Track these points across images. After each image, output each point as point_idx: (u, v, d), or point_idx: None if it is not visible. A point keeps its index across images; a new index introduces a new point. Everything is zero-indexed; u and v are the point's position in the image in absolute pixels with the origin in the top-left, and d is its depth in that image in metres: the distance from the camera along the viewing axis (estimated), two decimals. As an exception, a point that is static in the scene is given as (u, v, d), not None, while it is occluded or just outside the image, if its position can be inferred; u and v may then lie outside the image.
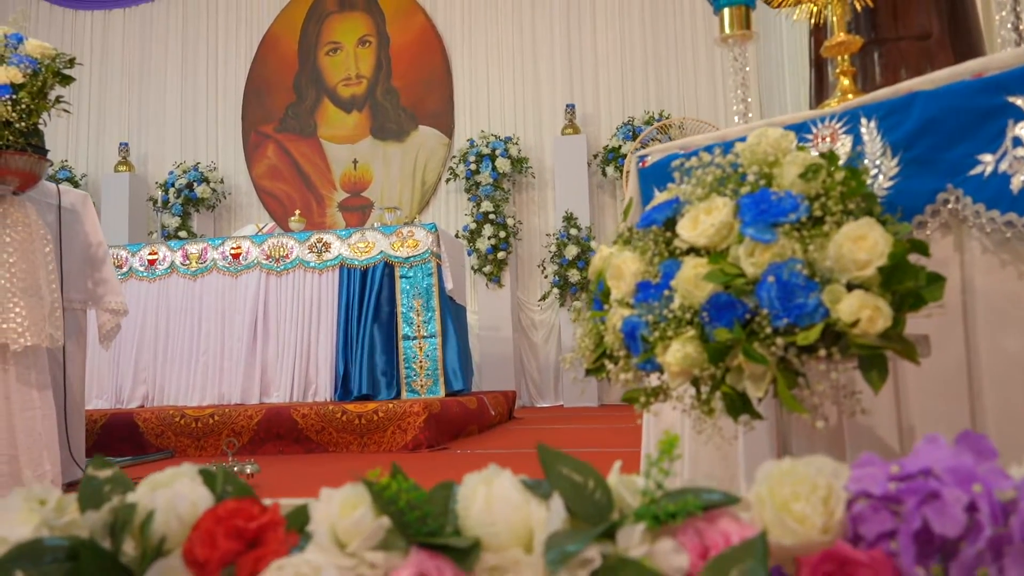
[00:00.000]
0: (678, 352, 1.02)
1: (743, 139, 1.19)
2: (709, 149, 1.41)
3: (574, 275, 7.82)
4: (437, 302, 5.52)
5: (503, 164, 8.11)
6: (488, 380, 7.93)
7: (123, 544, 0.72)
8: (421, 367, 5.49)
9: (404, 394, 5.35)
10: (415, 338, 5.48)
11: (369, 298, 5.54)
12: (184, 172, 8.94)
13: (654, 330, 1.06)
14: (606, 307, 1.16)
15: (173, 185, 8.91)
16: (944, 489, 0.59)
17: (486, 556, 0.67)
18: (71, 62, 2.80)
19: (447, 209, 8.79)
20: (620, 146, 7.96)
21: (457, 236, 8.00)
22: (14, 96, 2.61)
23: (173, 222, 8.82)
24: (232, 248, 5.80)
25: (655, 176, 1.58)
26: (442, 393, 5.31)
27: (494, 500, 0.69)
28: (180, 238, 8.47)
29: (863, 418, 1.10)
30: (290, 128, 9.38)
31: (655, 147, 1.63)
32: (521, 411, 7.43)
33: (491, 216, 8.09)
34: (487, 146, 8.24)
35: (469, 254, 8.04)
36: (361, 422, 4.43)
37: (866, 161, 1.29)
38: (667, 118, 8.03)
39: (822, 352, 0.95)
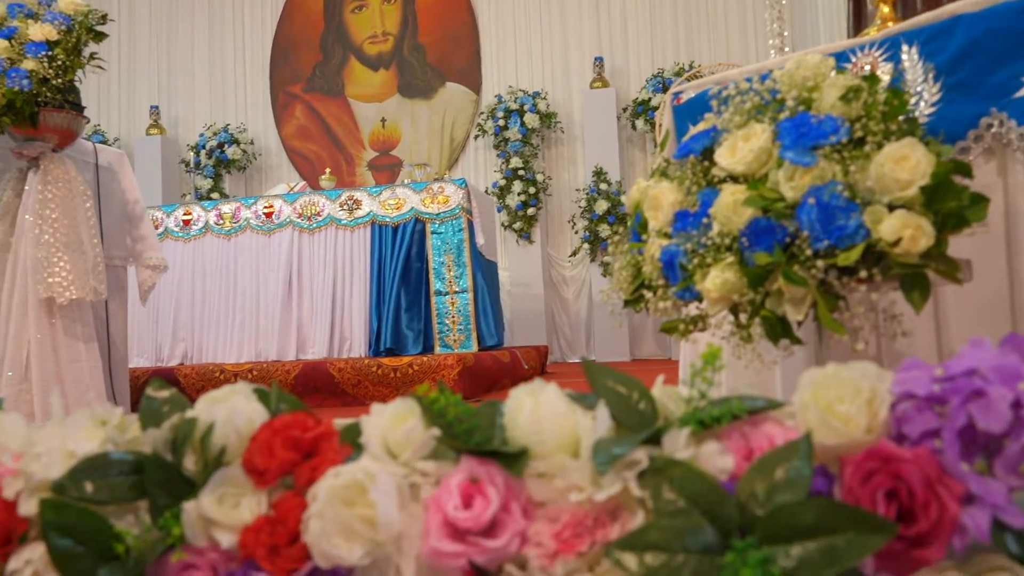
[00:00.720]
0: (717, 278, 1.03)
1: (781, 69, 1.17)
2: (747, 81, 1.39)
3: (604, 230, 7.78)
4: (468, 257, 5.53)
5: (532, 119, 8.05)
6: (520, 336, 7.96)
7: (184, 458, 0.75)
8: (453, 322, 5.53)
9: (437, 349, 5.40)
10: (447, 293, 5.51)
11: (400, 254, 5.57)
12: (214, 134, 8.99)
13: (693, 258, 1.07)
14: (644, 238, 1.16)
15: (204, 147, 8.96)
16: (989, 387, 0.59)
17: (534, 463, 0.69)
18: (103, 18, 2.81)
19: (476, 166, 8.76)
20: (650, 99, 7.85)
21: (487, 193, 7.99)
22: (50, 53, 2.64)
23: (205, 184, 8.90)
24: (265, 207, 5.85)
25: (690, 112, 1.57)
26: (475, 348, 5.35)
27: (541, 410, 0.71)
28: (212, 199, 8.55)
29: (903, 344, 1.10)
30: (318, 88, 9.37)
31: (690, 83, 1.61)
32: (553, 366, 7.48)
33: (520, 172, 8.05)
34: (515, 101, 8.18)
35: (499, 211, 8.03)
36: (396, 375, 4.49)
37: (907, 88, 1.27)
38: (697, 68, 7.90)
39: (863, 273, 0.95)
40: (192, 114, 9.58)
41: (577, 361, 8.16)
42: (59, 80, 2.65)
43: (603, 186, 7.82)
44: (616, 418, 0.70)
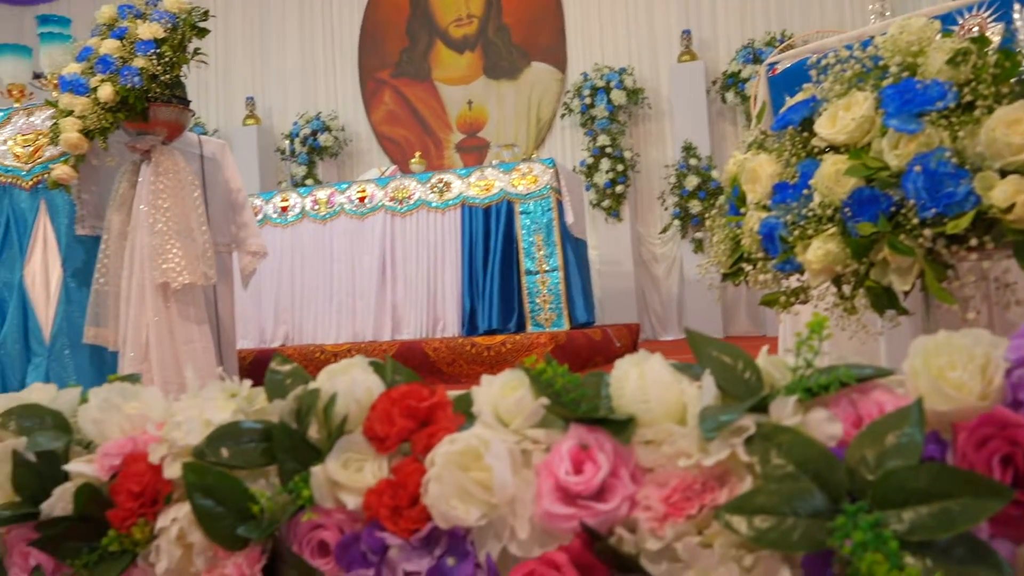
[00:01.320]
0: (819, 250, 1.02)
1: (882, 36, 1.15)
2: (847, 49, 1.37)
3: (695, 206, 7.66)
4: (558, 236, 5.55)
5: (618, 96, 7.98)
6: (610, 315, 7.94)
7: (309, 426, 0.80)
8: (544, 301, 5.56)
9: (529, 328, 5.44)
10: (537, 273, 5.54)
11: (491, 235, 5.63)
12: (307, 122, 9.23)
13: (793, 230, 1.06)
14: (742, 211, 1.16)
15: (297, 135, 9.22)
16: (1111, 353, 0.58)
17: (641, 430, 0.71)
18: (205, 15, 2.94)
19: (563, 145, 8.74)
20: (740, 71, 7.66)
21: (574, 171, 7.96)
22: (157, 51, 2.77)
23: (300, 171, 9.16)
24: (358, 192, 5.99)
25: (786, 83, 1.54)
26: (566, 326, 5.37)
27: (647, 379, 0.73)
28: (307, 185, 8.80)
29: (1016, 314, 1.07)
30: (405, 73, 9.50)
31: (786, 54, 1.59)
32: (644, 344, 7.44)
33: (608, 150, 8.00)
34: (601, 79, 8.11)
35: (587, 189, 8.00)
36: (489, 354, 4.56)
37: (1020, 49, 1.21)
38: (790, 38, 7.66)
39: (973, 242, 0.93)
40: (285, 103, 9.86)
41: (670, 339, 8.09)
42: (167, 76, 2.79)
43: (693, 161, 7.69)
44: (721, 387, 0.71)
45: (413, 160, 6.64)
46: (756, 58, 7.61)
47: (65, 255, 2.95)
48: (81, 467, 0.85)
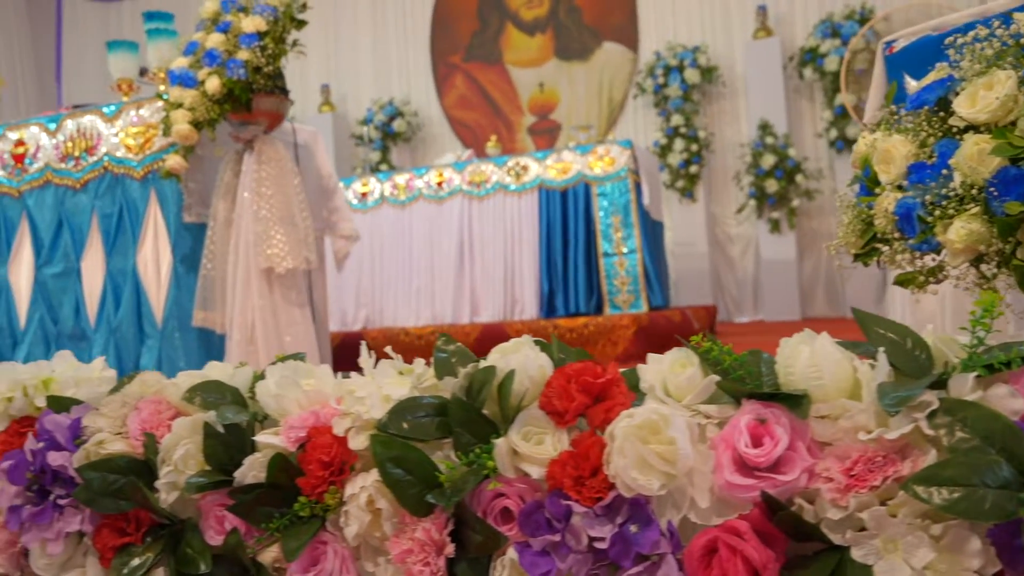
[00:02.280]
0: (962, 229, 1.03)
1: (1008, 13, 1.14)
2: (968, 27, 1.36)
3: (771, 185, 7.54)
4: (636, 218, 5.54)
5: (692, 75, 7.88)
6: (684, 297, 7.90)
7: (485, 401, 0.85)
8: (622, 283, 5.56)
9: (607, 310, 5.46)
10: (615, 255, 5.55)
11: (568, 217, 5.65)
12: (381, 108, 9.36)
13: (933, 210, 1.07)
14: (877, 192, 1.17)
15: (372, 121, 9.35)
16: None
17: (815, 405, 0.74)
18: (303, 6, 3.02)
19: (635, 126, 8.68)
20: (818, 46, 7.48)
21: (648, 152, 7.91)
22: (260, 43, 2.87)
23: (374, 156, 9.30)
24: (436, 176, 6.07)
25: (904, 61, 1.53)
26: (644, 308, 5.37)
27: (819, 356, 0.75)
28: (383, 171, 8.93)
29: None
30: (476, 57, 9.54)
31: (903, 32, 1.57)
32: (720, 326, 7.38)
33: (682, 130, 7.92)
34: (674, 57, 8.02)
35: (660, 170, 7.94)
36: (572, 336, 4.60)
37: None
38: (870, 12, 7.47)
39: None
40: (358, 90, 10.00)
41: (745, 321, 8.01)
42: (270, 67, 2.89)
43: (769, 140, 7.56)
44: (893, 364, 0.74)
45: (489, 144, 6.70)
46: (835, 32, 7.43)
47: (174, 242, 3.08)
48: (270, 439, 0.92)
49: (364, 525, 0.85)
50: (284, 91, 3.04)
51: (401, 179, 6.19)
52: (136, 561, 0.96)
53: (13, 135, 3.39)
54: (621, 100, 8.79)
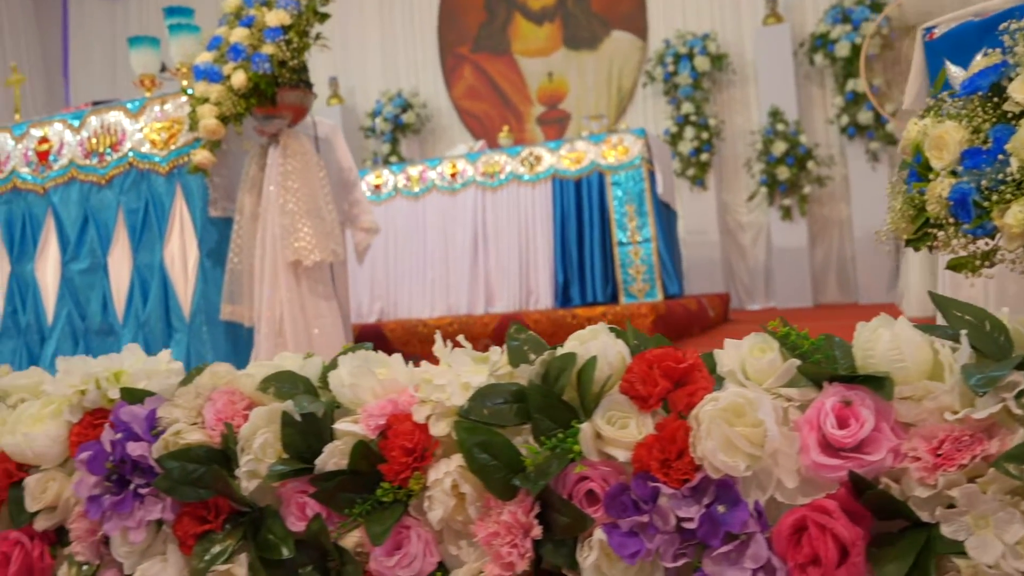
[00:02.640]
0: (1020, 214, 1.04)
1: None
2: (1012, 12, 1.37)
3: (783, 172, 7.53)
4: (650, 207, 5.54)
5: (702, 63, 7.86)
6: (696, 284, 7.91)
7: (564, 388, 0.87)
8: (637, 272, 5.57)
9: (622, 299, 5.47)
10: (630, 243, 5.55)
11: (582, 207, 5.66)
12: (389, 100, 9.36)
13: (989, 195, 1.08)
14: (931, 178, 1.18)
15: (380, 113, 9.35)
16: None
17: (897, 387, 0.76)
18: (326, 0, 3.03)
19: (645, 114, 8.67)
20: (829, 31, 7.46)
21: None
22: (285, 37, 2.88)
23: (384, 148, 9.31)
24: (449, 168, 6.08)
25: (945, 47, 1.54)
26: (659, 296, 5.38)
27: (900, 340, 0.77)
28: (394, 163, 8.94)
29: None
30: (484, 47, 9.52)
31: (943, 17, 1.58)
32: (733, 313, 7.40)
33: (692, 118, 7.91)
34: (684, 45, 8.01)
35: (672, 158, 7.93)
36: (590, 325, 4.62)
37: None
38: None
39: None
40: (366, 82, 9.99)
41: (757, 308, 8.02)
42: (295, 61, 2.90)
43: (780, 127, 7.55)
44: (974, 346, 0.76)
45: (501, 134, 6.71)
46: (846, 18, 7.40)
47: (200, 236, 3.11)
48: (350, 427, 0.94)
49: (449, 509, 0.87)
50: (308, 84, 3.06)
51: (414, 171, 6.20)
52: (217, 548, 0.98)
53: (37, 132, 3.41)
54: (631, 89, 8.77)
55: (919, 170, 1.23)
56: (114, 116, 3.26)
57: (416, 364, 1.12)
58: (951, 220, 1.15)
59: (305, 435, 0.97)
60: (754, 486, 0.78)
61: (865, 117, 7.27)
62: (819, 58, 7.54)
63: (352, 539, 0.94)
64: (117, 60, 11.18)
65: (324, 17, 3.01)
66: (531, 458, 0.84)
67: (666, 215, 5.96)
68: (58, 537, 1.14)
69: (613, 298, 5.48)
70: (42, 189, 3.37)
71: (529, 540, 0.83)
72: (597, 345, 0.87)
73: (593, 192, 5.69)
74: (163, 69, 3.49)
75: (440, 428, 0.90)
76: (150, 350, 3.00)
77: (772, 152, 7.54)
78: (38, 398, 1.20)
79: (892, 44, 7.46)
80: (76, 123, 3.33)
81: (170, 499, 1.01)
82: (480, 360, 0.96)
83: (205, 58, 2.97)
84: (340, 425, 0.95)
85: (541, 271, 5.81)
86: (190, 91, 3.10)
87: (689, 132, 7.92)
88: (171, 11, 3.37)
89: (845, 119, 7.37)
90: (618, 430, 0.82)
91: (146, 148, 3.18)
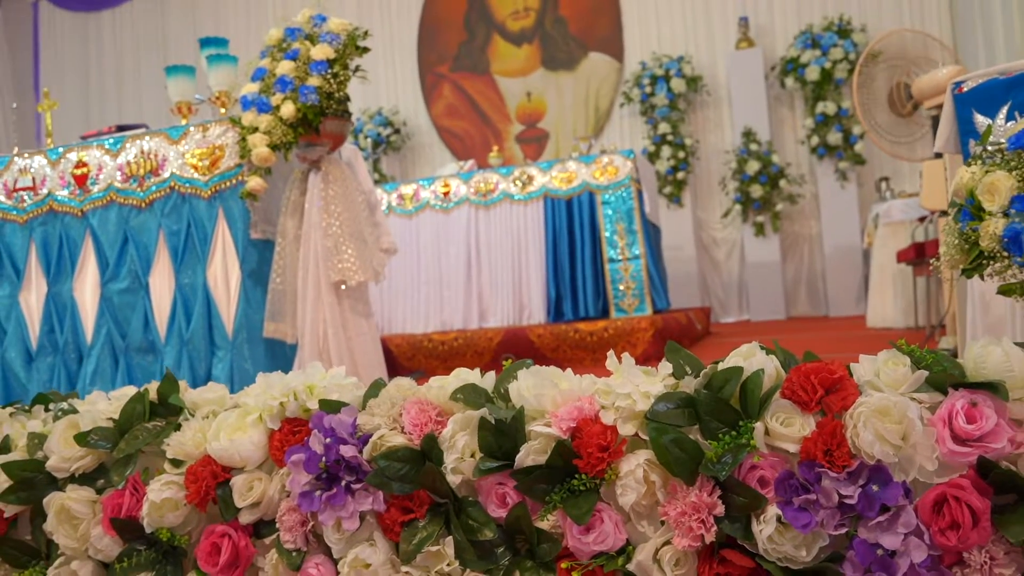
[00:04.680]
0: (1065, 249, 1.28)
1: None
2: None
3: (756, 191, 7.87)
4: (639, 225, 5.79)
5: (678, 84, 8.19)
6: (675, 298, 8.17)
7: (730, 394, 1.08)
8: (628, 287, 5.81)
9: (612, 313, 5.70)
10: (620, 260, 5.79)
11: (573, 225, 5.89)
12: (370, 118, 9.51)
13: (1037, 233, 1.32)
14: (984, 217, 1.42)
15: (361, 131, 9.50)
16: None
17: (1012, 391, 0.99)
18: (365, 34, 3.22)
19: (622, 134, 8.96)
20: (799, 56, 7.84)
21: (637, 160, 8.18)
22: (332, 71, 3.06)
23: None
24: (442, 187, 6.27)
25: (974, 100, 1.79)
26: (649, 311, 5.63)
27: (1010, 355, 1.00)
28: (374, 181, 9.08)
29: None
30: (463, 67, 9.74)
31: (972, 74, 1.84)
32: (712, 326, 7.69)
33: (669, 137, 8.23)
34: (660, 67, 8.33)
35: (651, 177, 8.22)
36: (592, 339, 4.84)
37: None
38: (848, 23, 7.84)
39: None
40: (345, 100, 10.11)
41: (731, 321, 8.34)
42: (340, 93, 3.08)
43: (753, 147, 7.90)
44: (1068, 358, 0.99)
45: (491, 154, 6.92)
46: (815, 43, 7.79)
47: (242, 258, 3.25)
48: (544, 429, 1.14)
49: (640, 494, 1.07)
50: (348, 114, 3.23)
51: (408, 189, 6.37)
52: (423, 533, 1.17)
53: (73, 156, 3.53)
54: (607, 108, 9.07)
55: (972, 211, 1.47)
56: (154, 142, 3.40)
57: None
58: (1004, 253, 1.39)
59: (498, 436, 1.17)
60: (898, 470, 1.00)
61: (834, 138, 7.65)
62: (790, 81, 7.91)
63: (548, 522, 1.13)
64: (90, 72, 11.16)
65: (364, 51, 3.19)
66: (712, 452, 1.04)
67: (653, 232, 6.23)
68: (255, 529, 1.31)
69: (604, 313, 5.71)
70: (80, 212, 3.48)
71: (711, 517, 1.04)
72: (758, 360, 1.08)
73: (584, 210, 5.92)
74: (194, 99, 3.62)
75: (627, 428, 1.10)
76: (193, 367, 3.16)
77: (746, 171, 7.87)
78: (225, 408, 1.38)
79: (860, 70, 7.87)
80: (115, 148, 3.46)
81: (380, 493, 1.20)
82: (647, 373, 1.16)
83: (251, 89, 3.13)
84: (536, 427, 1.15)
85: (534, 287, 6.01)
86: (229, 117, 3.26)
87: (666, 151, 8.23)
88: (207, 42, 3.53)
89: (815, 139, 7.74)
90: (785, 428, 1.03)
91: (188, 173, 3.32)
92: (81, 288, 3.48)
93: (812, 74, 7.68)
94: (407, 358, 5.24)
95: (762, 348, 1.13)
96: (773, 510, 1.02)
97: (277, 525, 1.27)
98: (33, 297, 3.55)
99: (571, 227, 5.94)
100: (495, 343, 5.06)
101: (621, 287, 5.82)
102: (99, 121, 10.55)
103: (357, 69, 3.21)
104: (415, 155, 9.90)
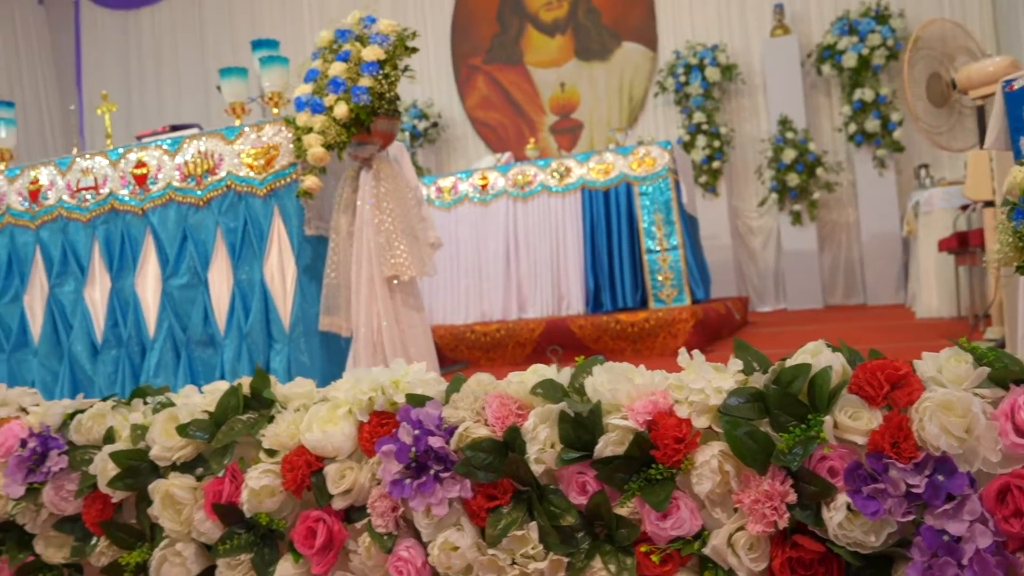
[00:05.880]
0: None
1: None
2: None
3: (793, 179, 7.86)
4: (677, 215, 5.84)
5: (712, 73, 8.19)
6: (712, 288, 8.22)
7: (800, 389, 1.15)
8: (666, 278, 5.86)
9: (651, 304, 5.75)
10: (658, 251, 5.84)
11: (611, 216, 5.95)
12: (405, 111, 9.61)
13: (1091, 231, 1.38)
14: (1037, 215, 1.48)
15: (397, 124, 9.58)
16: None
17: (1069, 386, 1.05)
18: (414, 35, 3.30)
19: (656, 123, 8.99)
20: (836, 43, 7.80)
21: (672, 149, 8.20)
22: (383, 71, 3.15)
23: (402, 158, 9.54)
24: (480, 179, 6.35)
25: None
26: (687, 302, 5.67)
27: (1068, 351, 1.06)
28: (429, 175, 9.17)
29: None
30: (497, 58, 9.81)
31: (1021, 73, 1.88)
32: (749, 315, 7.70)
33: (703, 126, 8.24)
34: (695, 56, 8.33)
35: (686, 166, 8.24)
36: (634, 330, 4.91)
37: None
38: (886, 9, 7.79)
39: None
40: (380, 93, 10.21)
41: (767, 310, 8.34)
42: (390, 92, 3.17)
43: (789, 135, 7.88)
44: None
45: (528, 146, 7.00)
46: (852, 29, 7.74)
47: (297, 254, 3.36)
48: (622, 422, 1.22)
49: (716, 483, 1.15)
50: (398, 113, 3.32)
51: (446, 182, 6.46)
52: (507, 519, 1.25)
53: (133, 156, 3.65)
54: (641, 98, 9.09)
55: (1024, 209, 1.52)
56: (211, 143, 3.51)
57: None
58: (1057, 250, 1.45)
59: (577, 428, 1.25)
60: (962, 461, 1.06)
61: (872, 125, 7.62)
62: (826, 68, 7.87)
63: (626, 508, 1.21)
64: (130, 69, 11.38)
65: (413, 51, 3.27)
66: (783, 443, 1.12)
67: (690, 223, 6.26)
68: (346, 514, 1.41)
69: (643, 303, 5.77)
70: (141, 210, 3.61)
71: (783, 504, 1.11)
72: (826, 357, 1.15)
73: (621, 202, 5.98)
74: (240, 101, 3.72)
75: (701, 421, 1.18)
76: (252, 360, 3.27)
77: (782, 159, 7.86)
78: (314, 402, 1.47)
79: (897, 55, 7.81)
80: (173, 149, 3.58)
81: (467, 481, 1.28)
82: (717, 369, 1.24)
83: (304, 90, 3.23)
84: (613, 420, 1.23)
85: (572, 278, 6.08)
86: (284, 117, 3.37)
87: (701, 140, 8.24)
88: (258, 44, 3.63)
89: (853, 127, 7.71)
90: (854, 421, 1.10)
91: (244, 172, 3.44)
92: (143, 284, 3.61)
93: (849, 61, 7.64)
94: (450, 349, 5.34)
95: (828, 345, 1.19)
96: (843, 498, 1.09)
97: (368, 511, 1.36)
98: (97, 293, 3.70)
99: (608, 218, 6.00)
100: (537, 334, 5.15)
101: (659, 278, 5.88)
102: (140, 118, 10.77)
103: (406, 69, 3.29)
104: (449, 147, 10.00)
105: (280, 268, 3.38)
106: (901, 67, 7.73)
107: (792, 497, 1.11)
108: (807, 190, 7.95)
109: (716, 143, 8.22)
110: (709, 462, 1.15)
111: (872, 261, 7.93)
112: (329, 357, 3.42)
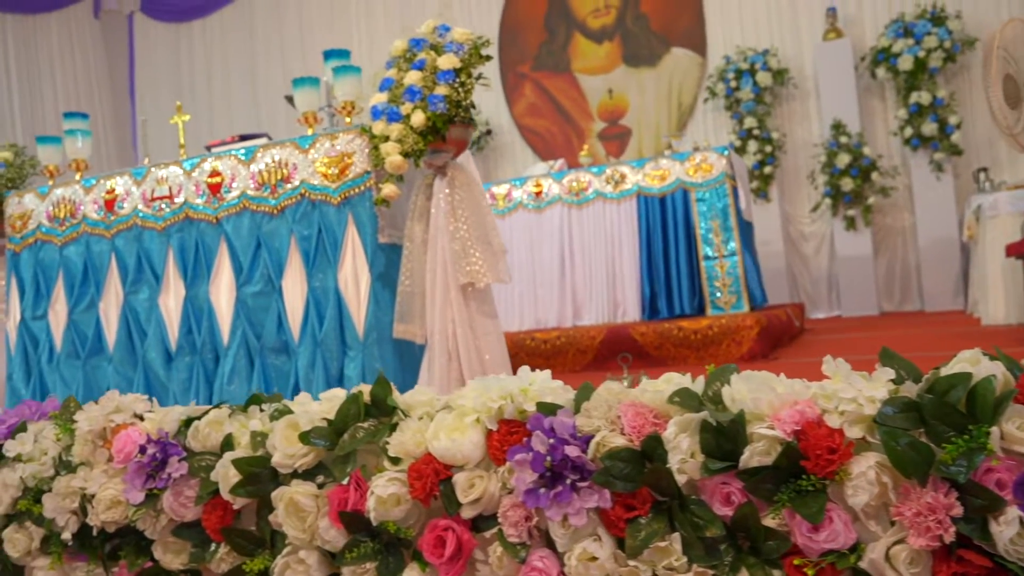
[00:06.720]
0: None
1: None
2: None
3: (847, 184, 7.76)
4: (734, 222, 5.78)
5: (764, 78, 8.12)
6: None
7: (958, 399, 1.12)
8: (724, 285, 5.80)
9: (708, 311, 5.70)
10: (716, 258, 5.78)
11: (667, 222, 5.91)
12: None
13: None
14: None
15: (446, 132, 9.62)
16: None
17: None
18: (487, 43, 3.30)
19: (705, 129, 8.92)
20: (890, 45, 7.68)
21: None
22: (459, 80, 3.15)
23: (451, 166, 9.58)
24: (533, 187, 6.35)
25: None
26: (746, 308, 5.61)
27: None
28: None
29: None
30: (545, 65, 9.82)
31: None
32: (805, 322, 7.60)
33: (755, 132, 8.17)
34: (745, 61, 8.27)
35: (739, 172, 8.17)
36: (696, 337, 4.86)
37: None
38: (942, 11, 7.66)
39: None
40: (427, 101, 10.27)
41: (821, 316, 8.22)
42: (466, 100, 3.18)
43: (843, 139, 7.78)
44: None
45: (582, 153, 6.98)
46: (908, 32, 7.62)
47: (371, 261, 3.37)
48: (768, 431, 1.20)
49: (873, 495, 1.12)
50: (472, 121, 3.33)
51: (500, 189, 6.47)
52: (648, 530, 1.24)
53: (207, 166, 3.70)
54: (691, 104, 9.04)
55: None
56: (284, 152, 3.55)
57: None
58: None
59: (719, 438, 1.23)
60: None
61: (929, 128, 7.49)
62: (881, 71, 7.76)
63: (774, 520, 1.19)
64: (182, 80, 11.57)
65: (487, 59, 3.28)
66: (947, 454, 1.09)
67: (747, 229, 6.20)
68: (474, 523, 1.40)
69: (700, 310, 5.72)
70: (215, 219, 3.66)
71: (948, 517, 1.08)
72: (987, 367, 1.12)
73: (678, 208, 5.93)
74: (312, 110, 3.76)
75: (854, 432, 1.15)
76: (327, 367, 3.29)
77: (836, 164, 7.76)
78: (437, 411, 1.47)
79: (954, 57, 7.67)
80: (247, 158, 3.62)
81: (606, 491, 1.27)
82: (864, 378, 1.21)
83: (380, 99, 3.25)
84: (760, 430, 1.20)
85: (628, 285, 6.05)
86: (360, 126, 3.39)
87: (752, 146, 8.17)
88: (330, 54, 3.66)
89: (909, 131, 7.58)
90: (1021, 432, 1.07)
91: (318, 181, 3.46)
92: (217, 291, 3.65)
93: (905, 64, 7.52)
94: (511, 355, 5.33)
95: (985, 355, 1.16)
96: (1014, 512, 1.06)
97: (499, 520, 1.35)
98: (171, 300, 3.75)
99: (665, 224, 5.96)
100: (597, 341, 5.12)
101: (718, 284, 5.82)
102: (192, 127, 10.94)
103: (480, 77, 3.30)
104: (497, 155, 10.02)
105: (354, 276, 3.40)
106: (958, 69, 7.60)
107: (958, 510, 1.08)
108: (862, 195, 7.83)
109: (768, 148, 8.15)
110: (866, 473, 1.13)
111: (930, 266, 7.79)
112: (403, 365, 3.43)
